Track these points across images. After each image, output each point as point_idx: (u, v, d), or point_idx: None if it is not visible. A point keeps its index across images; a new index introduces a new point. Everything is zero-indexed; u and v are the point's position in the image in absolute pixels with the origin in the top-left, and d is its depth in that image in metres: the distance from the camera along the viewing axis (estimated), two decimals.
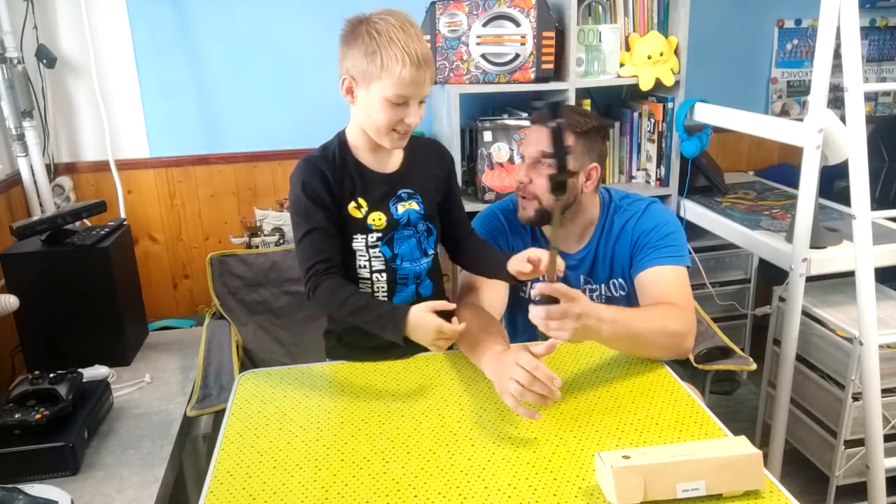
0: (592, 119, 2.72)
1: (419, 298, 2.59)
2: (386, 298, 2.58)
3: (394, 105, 2.34)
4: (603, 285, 2.83)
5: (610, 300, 2.83)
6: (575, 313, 2.10)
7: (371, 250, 2.54)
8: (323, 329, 2.73)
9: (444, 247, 2.76)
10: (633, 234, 2.73)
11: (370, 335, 2.43)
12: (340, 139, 2.56)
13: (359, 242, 2.53)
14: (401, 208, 2.53)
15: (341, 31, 2.45)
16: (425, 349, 2.49)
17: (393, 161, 2.57)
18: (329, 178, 2.46)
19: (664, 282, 2.61)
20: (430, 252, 2.64)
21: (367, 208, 2.51)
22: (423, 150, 2.66)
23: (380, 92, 2.33)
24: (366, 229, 2.52)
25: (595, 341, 2.26)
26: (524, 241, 2.86)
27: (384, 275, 2.56)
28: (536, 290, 2.10)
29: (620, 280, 2.79)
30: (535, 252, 2.35)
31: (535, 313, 2.12)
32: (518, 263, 2.37)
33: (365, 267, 2.55)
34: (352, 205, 2.50)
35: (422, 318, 2.29)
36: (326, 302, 2.41)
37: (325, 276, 2.41)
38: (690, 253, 4.11)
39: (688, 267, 2.68)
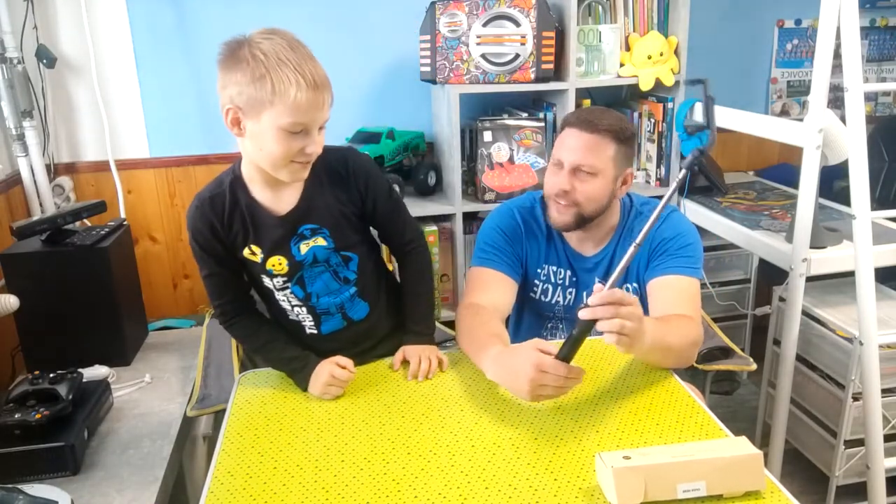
0: (628, 124, 2.69)
1: (351, 324, 2.58)
2: (314, 329, 2.57)
3: (291, 134, 2.12)
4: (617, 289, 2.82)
5: None
6: (638, 315, 2.05)
7: (281, 292, 2.49)
8: None
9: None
10: (653, 239, 2.70)
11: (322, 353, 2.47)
12: (235, 174, 2.38)
13: (268, 282, 2.48)
14: (304, 248, 2.40)
15: (219, 55, 2.17)
16: (381, 356, 2.58)
17: (291, 195, 2.38)
18: (217, 227, 2.35)
19: (676, 291, 2.60)
20: (353, 278, 2.53)
21: (262, 254, 2.40)
22: (328, 172, 2.42)
23: (273, 121, 2.09)
24: (269, 273, 2.43)
25: (629, 352, 2.17)
26: (539, 244, 2.83)
27: (304, 308, 2.54)
28: (596, 292, 2.02)
29: (634, 284, 2.78)
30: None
31: (601, 309, 2.01)
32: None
33: (284, 300, 2.53)
34: (246, 251, 2.39)
35: (319, 378, 2.35)
36: (242, 343, 2.55)
37: (234, 315, 2.46)
38: None
39: (701, 280, 2.68)
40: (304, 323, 2.56)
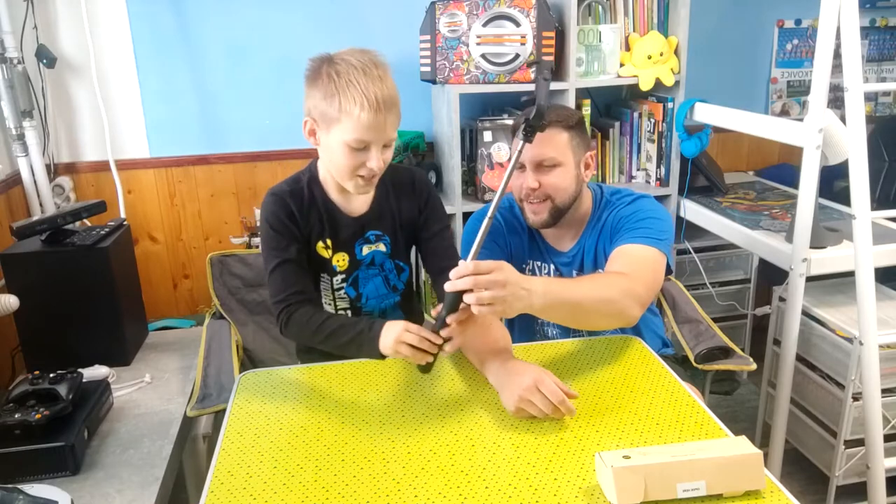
0: (572, 111, 2.75)
1: None
2: None
3: (354, 150, 2.28)
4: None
5: None
6: (501, 281, 2.02)
7: (336, 292, 2.60)
8: None
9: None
10: (615, 218, 2.73)
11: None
12: (311, 173, 2.54)
13: (324, 283, 2.59)
14: (366, 249, 2.56)
15: (306, 70, 2.35)
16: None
17: (363, 201, 2.55)
18: (296, 215, 2.46)
19: (624, 257, 2.58)
20: (400, 288, 2.66)
21: (333, 250, 2.54)
22: (397, 185, 2.61)
23: (340, 136, 2.27)
24: (331, 270, 2.56)
25: (510, 315, 2.16)
26: (522, 241, 2.86)
27: (350, 312, 2.61)
28: (456, 271, 2.03)
29: (601, 271, 2.79)
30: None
31: (460, 282, 2.02)
32: None
33: (330, 304, 2.61)
34: (320, 244, 2.52)
35: (397, 335, 2.20)
36: (301, 332, 2.42)
37: (298, 306, 2.40)
38: (690, 252, 4.12)
39: (664, 253, 2.62)
40: None
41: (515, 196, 2.79)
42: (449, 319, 2.12)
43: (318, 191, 2.51)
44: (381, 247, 2.58)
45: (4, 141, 3.91)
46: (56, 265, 3.09)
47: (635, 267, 2.52)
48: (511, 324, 3.00)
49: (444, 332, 2.14)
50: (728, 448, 1.79)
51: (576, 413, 2.11)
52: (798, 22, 4.91)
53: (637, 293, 2.41)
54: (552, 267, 2.86)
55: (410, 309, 2.74)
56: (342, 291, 2.60)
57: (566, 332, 2.88)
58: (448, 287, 2.04)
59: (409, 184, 2.63)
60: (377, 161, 2.31)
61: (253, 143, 4.35)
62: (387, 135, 2.31)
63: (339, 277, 2.57)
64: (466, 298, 2.02)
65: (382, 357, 2.27)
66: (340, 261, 2.54)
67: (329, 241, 2.52)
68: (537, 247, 2.86)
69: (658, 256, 2.60)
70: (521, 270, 2.83)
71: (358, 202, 2.54)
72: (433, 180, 4.23)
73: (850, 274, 3.07)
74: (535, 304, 2.13)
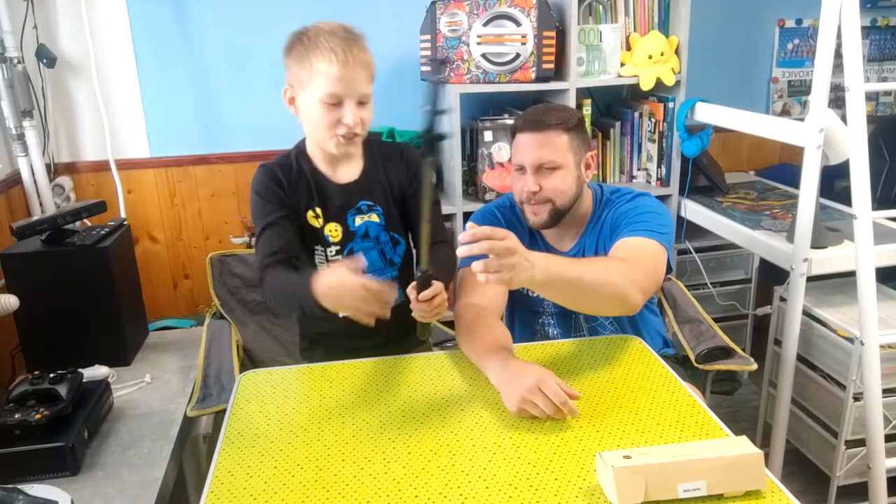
0: (572, 112, 2.75)
1: None
2: None
3: (329, 105, 2.36)
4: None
5: None
6: (510, 248, 2.02)
7: (331, 264, 2.55)
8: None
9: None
10: (614, 216, 2.74)
11: (342, 337, 2.53)
12: (299, 149, 2.61)
13: (319, 256, 2.60)
14: (359, 220, 2.58)
15: (284, 44, 2.48)
16: (401, 350, 2.60)
17: (351, 171, 2.60)
18: (284, 183, 2.52)
19: (625, 248, 2.58)
20: (397, 261, 2.67)
21: (323, 219, 2.56)
22: (385, 157, 2.66)
23: (314, 95, 2.36)
24: (324, 241, 2.58)
25: (513, 286, 2.19)
26: (522, 239, 2.84)
27: None
28: (464, 235, 2.00)
29: None
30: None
31: (476, 246, 1.99)
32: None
33: None
34: (310, 213, 2.55)
35: (336, 281, 2.12)
36: (267, 296, 2.44)
37: (273, 266, 2.39)
38: (691, 252, 4.12)
39: (664, 246, 2.61)
40: None
41: (516, 198, 2.80)
42: (421, 296, 2.25)
43: (306, 163, 2.57)
44: (375, 217, 2.59)
45: (4, 141, 3.91)
46: (56, 265, 3.09)
47: (636, 256, 2.52)
48: (512, 323, 3.01)
49: (415, 313, 2.27)
50: (729, 448, 1.79)
51: (578, 414, 2.11)
52: (799, 21, 4.92)
53: (637, 280, 2.40)
54: None
55: (409, 283, 2.63)
56: (337, 261, 2.58)
57: (567, 331, 2.89)
58: (463, 252, 2.01)
59: (398, 155, 2.69)
60: (353, 116, 2.37)
61: (253, 143, 4.34)
62: (358, 89, 2.37)
63: (334, 249, 2.58)
64: (475, 266, 2.01)
65: (324, 310, 2.19)
66: (333, 231, 2.56)
67: (319, 210, 2.55)
68: (538, 246, 2.86)
69: (658, 248, 2.59)
70: None
71: (346, 172, 2.59)
72: (433, 180, 4.22)
73: (851, 274, 3.07)
74: (536, 277, 2.12)
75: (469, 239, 2.00)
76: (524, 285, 2.17)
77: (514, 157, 2.73)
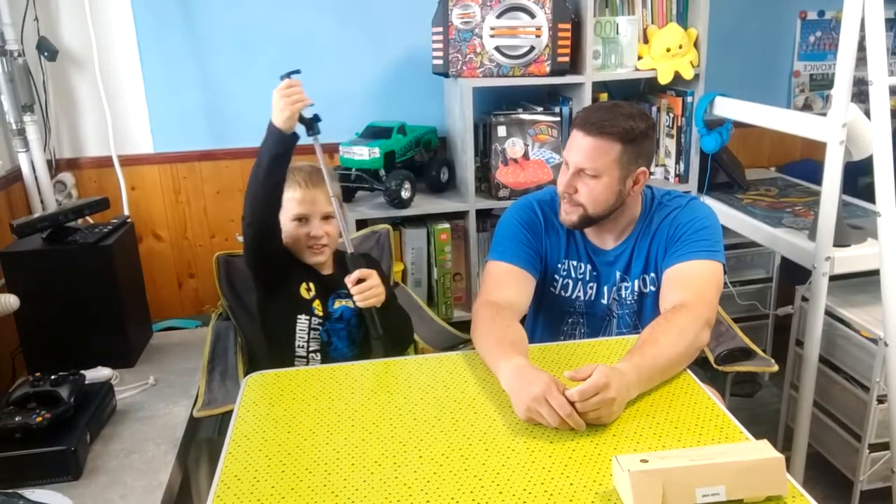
0: (642, 120, 2.69)
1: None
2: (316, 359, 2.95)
3: (298, 223, 2.90)
4: (637, 281, 2.83)
5: (641, 295, 2.85)
6: (610, 399, 2.07)
7: (312, 332, 2.92)
8: None
9: None
10: (670, 226, 2.75)
11: None
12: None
13: (302, 323, 2.93)
14: (337, 303, 2.98)
15: None
16: (396, 352, 2.78)
17: (327, 266, 3.04)
18: (282, 252, 2.94)
19: (683, 280, 2.62)
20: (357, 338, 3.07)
21: (314, 293, 2.95)
22: (352, 262, 2.90)
23: (286, 216, 2.89)
24: (311, 311, 2.93)
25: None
26: (559, 238, 2.86)
27: (318, 355, 2.94)
28: (570, 396, 2.06)
29: (653, 275, 2.81)
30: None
31: (586, 403, 2.07)
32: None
33: (302, 347, 2.92)
34: (303, 286, 2.95)
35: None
36: (246, 195, 2.81)
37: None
38: None
39: (721, 263, 2.68)
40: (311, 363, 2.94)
41: (557, 189, 2.79)
42: (348, 279, 2.76)
43: (296, 258, 3.00)
44: (350, 303, 2.91)
45: (4, 136, 3.91)
46: (57, 264, 3.09)
47: (696, 288, 2.58)
48: (535, 322, 3.01)
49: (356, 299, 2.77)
50: (749, 452, 1.79)
51: (585, 427, 2.09)
52: (821, 13, 4.90)
53: (705, 319, 2.50)
54: (589, 267, 2.86)
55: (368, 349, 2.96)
56: (317, 332, 2.92)
57: (595, 333, 2.92)
58: (555, 424, 2.09)
59: (364, 258, 3.01)
60: (317, 229, 2.90)
61: (260, 138, 4.29)
62: (319, 207, 2.89)
63: (317, 320, 2.93)
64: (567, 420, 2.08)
65: (290, 136, 2.75)
66: (318, 308, 2.93)
67: (312, 285, 2.96)
68: (575, 245, 2.87)
69: (716, 269, 2.66)
70: (556, 270, 2.88)
71: (325, 267, 3.03)
72: (445, 177, 4.25)
73: (875, 273, 3.06)
74: (633, 392, 2.21)
75: (563, 412, 2.07)
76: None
77: (566, 150, 2.73)
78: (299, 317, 2.90)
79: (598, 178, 2.64)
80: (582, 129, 2.65)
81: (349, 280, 2.76)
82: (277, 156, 2.69)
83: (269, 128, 2.73)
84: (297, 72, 2.79)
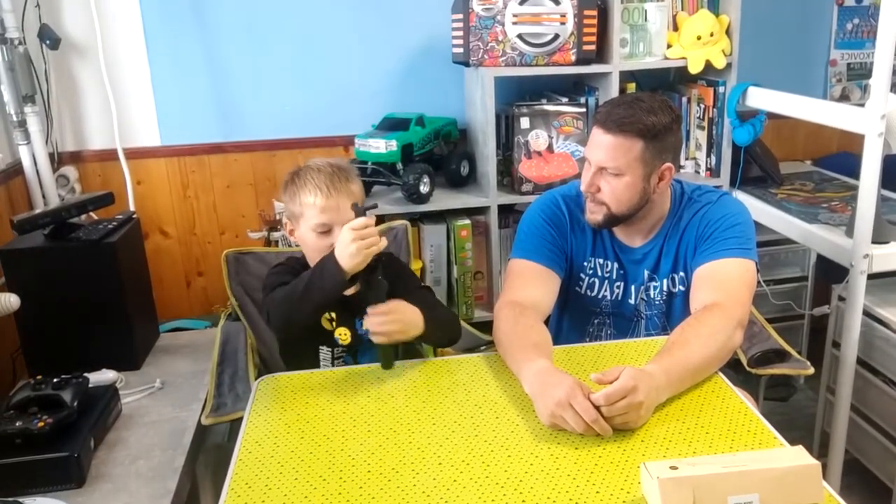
0: (664, 114, 2.67)
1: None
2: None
3: (320, 234, 2.64)
4: (665, 280, 2.84)
5: (670, 295, 2.86)
6: (637, 403, 2.08)
7: (336, 361, 2.79)
8: None
9: None
10: (700, 223, 2.75)
11: None
12: (302, 263, 2.79)
13: (324, 354, 2.79)
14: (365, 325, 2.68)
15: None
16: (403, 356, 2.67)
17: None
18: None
19: (715, 279, 2.62)
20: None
21: (336, 322, 2.76)
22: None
23: (306, 225, 2.66)
24: (333, 342, 2.78)
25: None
26: (585, 235, 2.85)
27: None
28: (596, 400, 2.07)
29: (682, 274, 2.81)
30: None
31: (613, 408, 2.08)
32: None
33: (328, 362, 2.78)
34: (325, 316, 2.74)
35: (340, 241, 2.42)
36: (280, 305, 2.55)
37: (271, 291, 2.63)
38: None
39: (754, 260, 2.68)
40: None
41: (581, 187, 2.78)
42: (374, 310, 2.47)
43: None
44: None
45: (5, 128, 3.93)
46: (60, 261, 3.11)
47: (729, 288, 2.58)
48: (560, 323, 3.01)
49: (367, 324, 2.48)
50: (783, 458, 1.79)
51: (611, 433, 2.09)
52: (859, 0, 4.89)
53: (738, 319, 2.50)
54: (616, 265, 2.86)
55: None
56: (340, 361, 2.79)
57: (623, 334, 2.92)
58: (580, 430, 2.09)
59: (389, 258, 2.85)
60: None
61: (272, 131, 4.36)
62: (344, 216, 2.53)
63: (340, 349, 2.79)
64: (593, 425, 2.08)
65: (346, 279, 2.42)
66: (343, 335, 2.76)
67: (334, 314, 2.75)
68: (602, 243, 2.87)
69: (749, 267, 2.66)
70: (581, 269, 2.88)
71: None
72: (466, 170, 4.25)
73: None
74: (663, 397, 2.22)
75: (589, 418, 2.06)
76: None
77: (587, 146, 2.73)
78: (321, 348, 2.79)
79: (620, 177, 2.63)
80: (602, 127, 2.65)
81: (372, 311, 2.46)
82: (333, 297, 2.51)
83: (330, 267, 2.42)
84: (375, 206, 2.77)
